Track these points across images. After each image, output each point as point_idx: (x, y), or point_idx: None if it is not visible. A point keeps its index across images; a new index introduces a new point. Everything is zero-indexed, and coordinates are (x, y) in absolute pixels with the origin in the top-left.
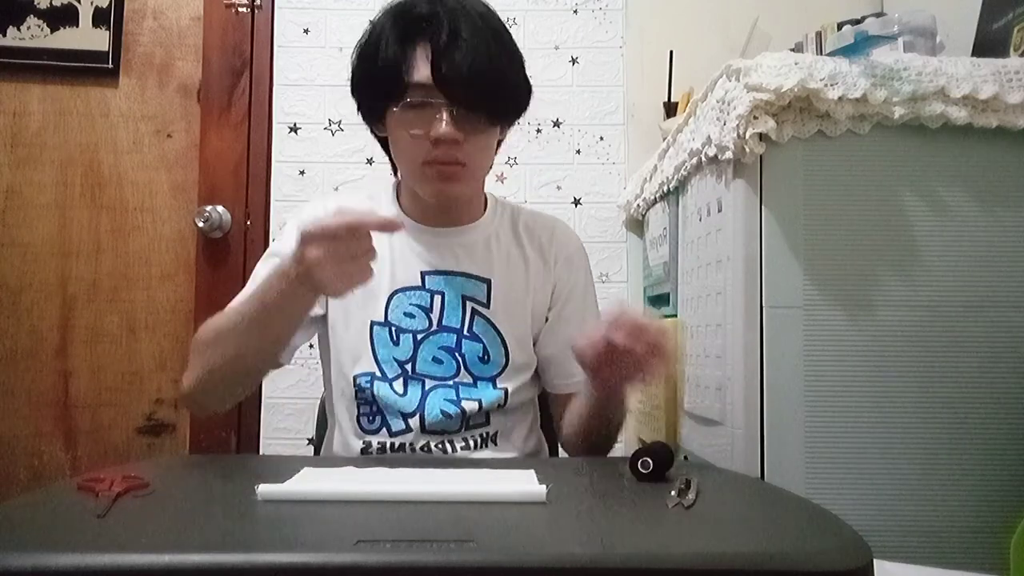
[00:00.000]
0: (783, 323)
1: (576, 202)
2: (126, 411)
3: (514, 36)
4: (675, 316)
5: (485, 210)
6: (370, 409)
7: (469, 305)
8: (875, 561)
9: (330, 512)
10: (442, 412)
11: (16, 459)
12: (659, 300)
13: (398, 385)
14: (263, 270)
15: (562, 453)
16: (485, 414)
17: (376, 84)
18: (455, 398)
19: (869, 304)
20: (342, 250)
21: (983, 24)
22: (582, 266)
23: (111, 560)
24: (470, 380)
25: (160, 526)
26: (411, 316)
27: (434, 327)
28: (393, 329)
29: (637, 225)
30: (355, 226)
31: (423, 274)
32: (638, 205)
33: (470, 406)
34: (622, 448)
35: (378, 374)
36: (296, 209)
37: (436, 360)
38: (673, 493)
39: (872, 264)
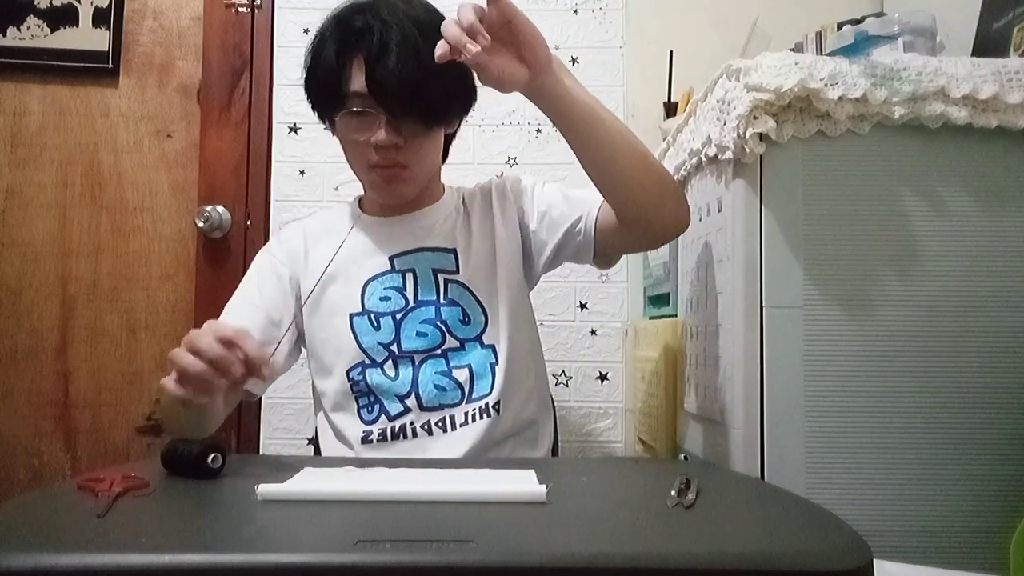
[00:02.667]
0: (783, 323)
1: None
2: (126, 411)
3: None
4: (675, 316)
5: (443, 195)
6: (368, 400)
7: (440, 276)
8: (875, 561)
9: (330, 512)
10: (435, 387)
11: (16, 459)
12: (659, 300)
13: (389, 368)
14: (255, 270)
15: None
16: (483, 383)
17: (318, 92)
18: (446, 368)
19: (869, 304)
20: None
21: (983, 24)
22: (514, 181)
23: (111, 560)
24: (457, 344)
25: (160, 526)
26: (387, 299)
27: (411, 304)
28: (372, 315)
29: None
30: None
31: (391, 258)
32: None
33: (462, 375)
34: (621, 448)
35: (367, 361)
36: (296, 211)
37: (420, 334)
38: (673, 493)
39: (872, 264)
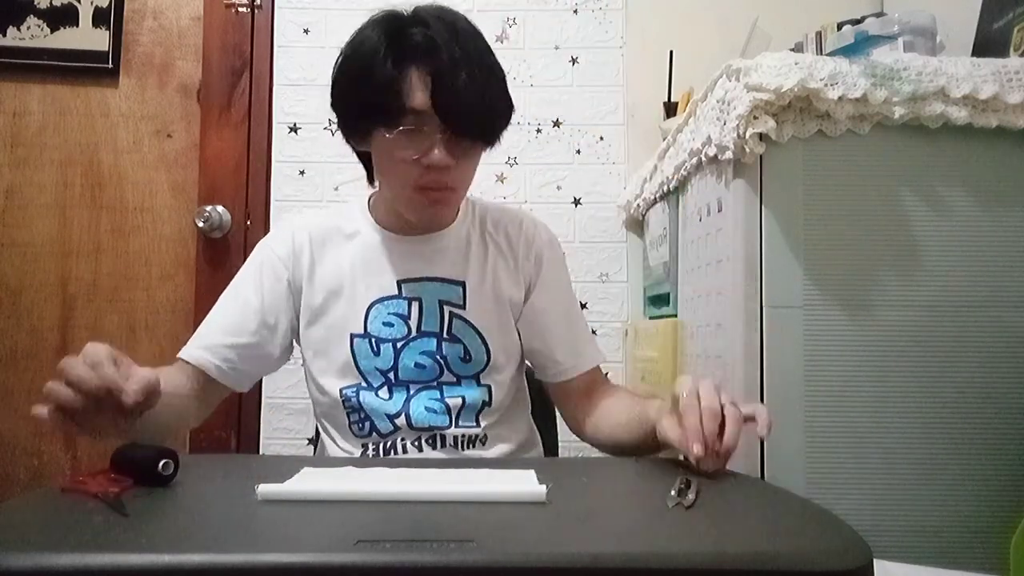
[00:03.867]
0: (783, 323)
1: (576, 202)
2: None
3: (516, 36)
4: (675, 316)
5: (458, 213)
6: (359, 416)
7: (446, 309)
8: (875, 561)
9: (330, 512)
10: (426, 408)
11: (16, 459)
12: (659, 300)
13: (383, 392)
14: (255, 267)
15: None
16: (472, 414)
17: (368, 106)
18: (439, 396)
19: (869, 304)
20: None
21: (983, 24)
22: (551, 256)
23: (111, 560)
24: (453, 379)
25: (160, 526)
26: (390, 325)
27: (413, 334)
28: (373, 340)
29: (637, 225)
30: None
31: (399, 283)
32: (638, 205)
33: (454, 402)
34: None
35: (363, 384)
36: (296, 211)
37: (418, 366)
38: (673, 493)
39: (872, 264)
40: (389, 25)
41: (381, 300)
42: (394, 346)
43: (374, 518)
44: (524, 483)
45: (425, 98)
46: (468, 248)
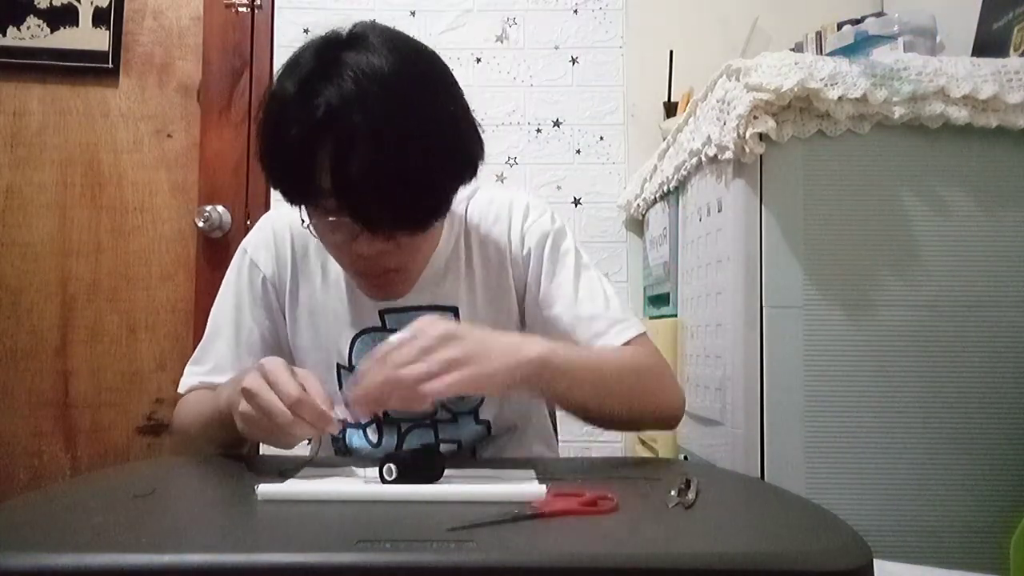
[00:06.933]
0: (783, 323)
1: (576, 202)
2: (126, 411)
3: (516, 36)
4: (675, 316)
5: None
6: (345, 455)
7: None
8: (875, 561)
9: (330, 512)
10: (421, 445)
11: (16, 459)
12: (659, 300)
13: (371, 433)
14: (242, 291)
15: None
16: (470, 449)
17: (279, 177)
18: (432, 441)
19: (869, 304)
20: (272, 426)
21: (983, 24)
22: (542, 243)
23: (111, 560)
24: (449, 416)
25: (160, 526)
26: None
27: None
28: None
29: (637, 225)
30: (282, 425)
31: (382, 313)
32: (638, 205)
33: (448, 448)
34: (621, 448)
35: (349, 420)
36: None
37: None
38: (673, 493)
39: (872, 264)
40: (302, 72)
41: (366, 331)
42: None
43: (374, 518)
44: (524, 483)
45: (329, 179)
46: (457, 266)
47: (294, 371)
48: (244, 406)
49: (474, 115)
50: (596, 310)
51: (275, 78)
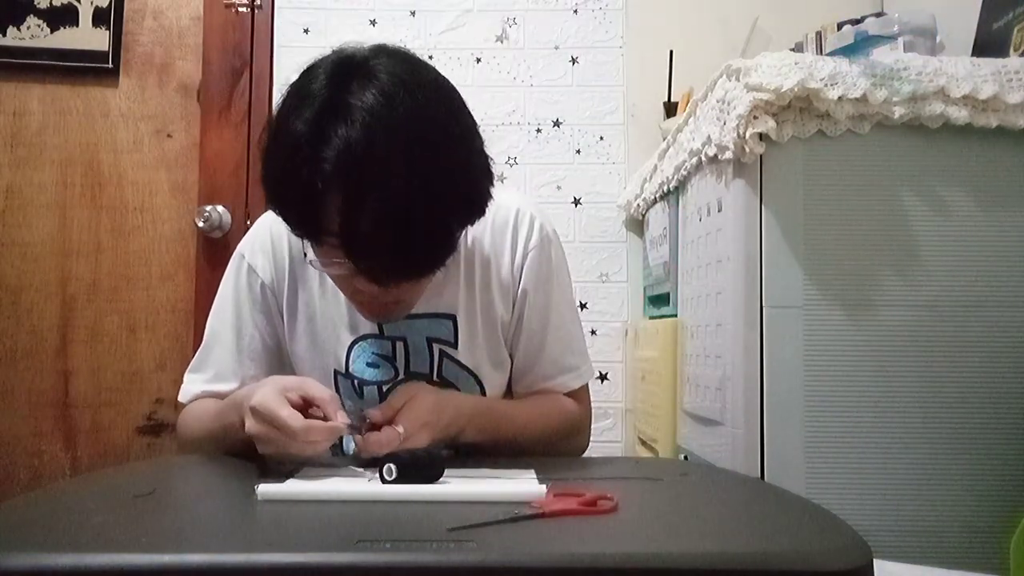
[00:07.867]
0: (783, 323)
1: (576, 202)
2: (126, 411)
3: (515, 37)
4: (675, 316)
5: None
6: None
7: (436, 347)
8: (875, 561)
9: (330, 512)
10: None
11: (16, 459)
12: (659, 300)
13: None
14: (242, 300)
15: None
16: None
17: (286, 213)
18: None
19: (869, 304)
20: (283, 442)
21: (983, 24)
22: (536, 266)
23: (111, 560)
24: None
25: (160, 526)
26: (375, 367)
27: (400, 376)
28: (356, 381)
29: (637, 225)
30: (295, 433)
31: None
32: (638, 205)
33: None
34: (621, 448)
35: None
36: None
37: None
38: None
39: (872, 264)
40: (316, 107)
41: (364, 338)
42: (379, 389)
43: (374, 518)
44: (524, 483)
45: (337, 225)
46: (456, 273)
47: (288, 389)
48: (260, 447)
49: (484, 146)
50: (555, 354)
51: (283, 100)
